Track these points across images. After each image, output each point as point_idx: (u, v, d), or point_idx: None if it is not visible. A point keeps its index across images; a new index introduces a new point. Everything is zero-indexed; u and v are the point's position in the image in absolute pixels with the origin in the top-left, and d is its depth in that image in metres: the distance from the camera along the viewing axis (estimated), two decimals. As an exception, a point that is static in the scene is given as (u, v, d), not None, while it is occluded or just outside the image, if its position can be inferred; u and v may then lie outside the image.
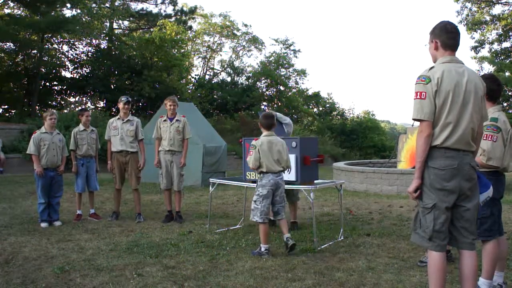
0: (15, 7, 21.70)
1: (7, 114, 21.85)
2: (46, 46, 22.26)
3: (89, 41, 24.35)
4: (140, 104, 25.23)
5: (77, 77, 24.32)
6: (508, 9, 24.99)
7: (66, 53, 24.71)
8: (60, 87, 24.46)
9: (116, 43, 24.81)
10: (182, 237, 5.75)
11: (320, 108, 33.89)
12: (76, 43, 24.41)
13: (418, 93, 2.90)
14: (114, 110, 22.17)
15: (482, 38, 25.87)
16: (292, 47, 32.41)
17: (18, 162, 14.49)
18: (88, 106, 25.79)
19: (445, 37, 3.00)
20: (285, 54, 31.91)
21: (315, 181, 5.75)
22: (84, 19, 21.93)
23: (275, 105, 29.69)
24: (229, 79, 31.79)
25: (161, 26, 25.70)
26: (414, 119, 2.93)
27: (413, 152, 11.87)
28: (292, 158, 5.37)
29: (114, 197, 7.26)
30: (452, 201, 2.90)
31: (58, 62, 23.88)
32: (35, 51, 21.43)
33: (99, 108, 24.80)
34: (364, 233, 5.98)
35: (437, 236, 2.92)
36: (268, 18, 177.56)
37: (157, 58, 23.71)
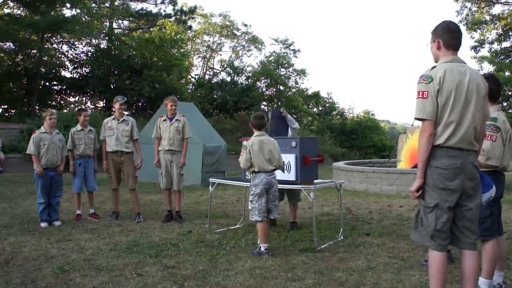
0: (14, 7, 21.71)
1: (7, 114, 21.86)
2: (46, 46, 22.28)
3: (88, 41, 24.37)
4: (140, 104, 25.24)
5: (77, 77, 24.34)
6: (508, 8, 25.02)
7: (66, 53, 24.78)
8: (59, 87, 24.48)
9: (116, 43, 24.83)
10: (182, 237, 5.75)
11: (320, 108, 33.90)
12: (76, 43, 24.43)
13: (420, 93, 2.90)
14: (114, 110, 22.13)
15: (482, 38, 25.90)
16: (291, 47, 32.44)
17: (18, 162, 14.49)
18: (88, 106, 25.80)
19: (448, 37, 3.00)
20: (284, 54, 31.91)
21: (315, 181, 5.74)
22: (83, 19, 21.96)
23: (275, 105, 29.70)
24: (229, 79, 31.81)
25: (161, 26, 25.72)
26: (417, 119, 2.93)
27: (413, 151, 11.89)
28: (292, 158, 5.38)
29: (112, 197, 7.26)
30: (455, 201, 2.90)
31: (58, 62, 23.91)
32: (35, 51, 21.44)
33: (99, 108, 24.81)
34: (364, 233, 5.98)
35: (438, 236, 2.92)
36: (268, 18, 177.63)
37: (156, 58, 23.72)
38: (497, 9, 32.19)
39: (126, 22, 28.35)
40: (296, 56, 33.57)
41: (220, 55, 39.36)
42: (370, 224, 6.67)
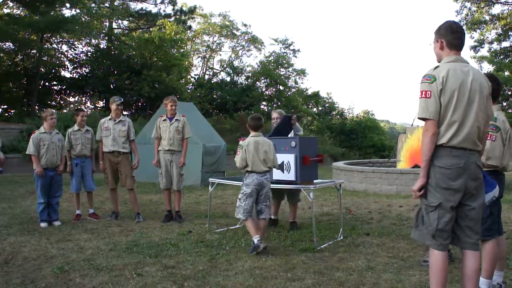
0: (14, 7, 21.71)
1: (7, 114, 21.86)
2: (46, 46, 22.28)
3: (88, 41, 24.37)
4: (140, 104, 25.24)
5: (77, 77, 24.33)
6: (508, 8, 25.02)
7: (66, 53, 24.78)
8: (59, 87, 24.49)
9: (116, 43, 24.82)
10: (181, 237, 5.75)
11: (320, 108, 33.90)
12: (76, 43, 24.43)
13: (423, 92, 2.90)
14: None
15: (482, 37, 25.91)
16: (291, 47, 32.43)
17: (18, 162, 14.49)
18: (88, 106, 25.81)
19: (451, 37, 3.01)
20: (284, 54, 31.91)
21: (315, 181, 5.74)
22: (83, 19, 21.95)
23: (275, 105, 29.70)
24: (228, 79, 31.80)
25: (161, 26, 25.71)
26: (420, 118, 2.93)
27: (413, 151, 11.90)
28: (291, 158, 5.38)
29: (110, 198, 7.26)
30: (458, 200, 2.90)
31: (57, 62, 23.91)
32: (35, 51, 21.44)
33: (98, 108, 24.81)
34: (364, 233, 5.98)
35: (440, 235, 2.92)
36: (268, 18, 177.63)
37: (156, 58, 23.71)
38: (496, 9, 32.31)
39: (125, 22, 28.38)
40: (295, 56, 33.58)
41: (220, 55, 39.41)
42: (370, 224, 6.67)
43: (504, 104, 23.79)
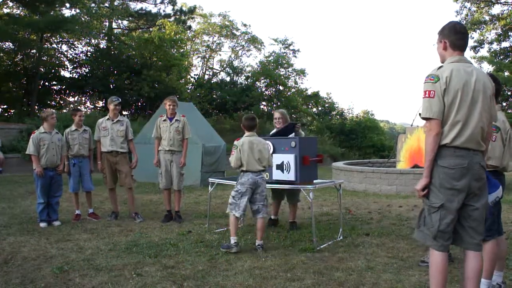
0: (14, 6, 21.69)
1: (6, 114, 21.85)
2: (45, 45, 22.26)
3: (88, 40, 24.35)
4: (139, 103, 25.23)
5: (76, 76, 24.31)
6: (507, 9, 25.03)
7: (65, 53, 24.75)
8: (59, 86, 24.47)
9: (115, 42, 24.80)
10: (181, 237, 5.75)
11: (319, 108, 33.87)
12: (75, 42, 24.42)
13: (427, 92, 2.90)
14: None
15: (482, 38, 25.92)
16: (291, 47, 32.39)
17: (17, 162, 14.48)
18: (87, 106, 25.81)
19: (454, 37, 3.01)
20: (284, 54, 31.89)
21: (314, 181, 5.75)
22: (83, 18, 21.94)
23: (274, 105, 29.69)
24: (228, 79, 31.77)
25: (160, 26, 25.70)
26: (423, 118, 2.93)
27: (412, 152, 11.90)
28: (291, 158, 5.38)
29: (110, 198, 7.25)
30: (461, 201, 2.89)
31: (57, 62, 23.89)
32: (34, 50, 21.43)
33: (98, 108, 24.80)
34: (363, 233, 5.98)
35: (441, 236, 2.92)
36: (268, 18, 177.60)
37: (156, 57, 23.70)
38: (496, 9, 32.31)
39: (125, 22, 28.37)
40: (295, 56, 33.55)
41: (220, 55, 39.37)
42: (370, 224, 6.67)
43: (504, 104, 23.79)
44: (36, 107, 21.72)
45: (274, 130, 6.52)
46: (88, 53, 24.75)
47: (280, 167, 5.46)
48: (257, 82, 30.97)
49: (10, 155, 14.56)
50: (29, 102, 22.31)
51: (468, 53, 28.13)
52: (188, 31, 30.01)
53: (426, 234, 2.98)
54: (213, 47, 33.50)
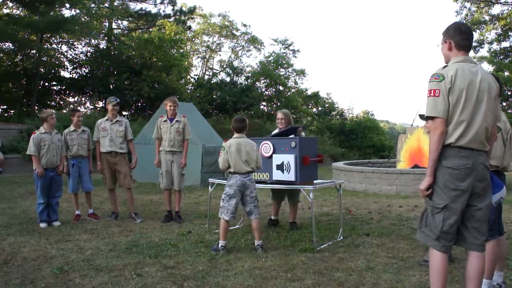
0: (14, 7, 21.69)
1: (6, 114, 21.85)
2: (45, 46, 22.26)
3: (88, 41, 24.36)
4: (139, 104, 25.23)
5: (76, 77, 24.31)
6: (507, 9, 25.04)
7: (65, 53, 24.73)
8: (59, 87, 24.48)
9: (115, 43, 24.81)
10: (181, 237, 5.75)
11: (319, 108, 33.89)
12: (75, 43, 24.40)
13: (432, 91, 2.90)
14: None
15: (481, 38, 25.94)
16: (291, 47, 32.42)
17: (17, 162, 14.48)
18: (87, 106, 25.82)
19: (459, 38, 3.01)
20: (284, 54, 31.90)
21: (314, 181, 5.74)
22: (83, 19, 21.93)
23: (274, 105, 29.70)
24: (228, 79, 31.79)
25: (160, 26, 25.70)
26: (428, 117, 2.92)
27: (413, 152, 11.89)
28: (291, 158, 5.38)
29: (109, 198, 7.25)
30: (465, 202, 2.88)
31: (57, 62, 23.89)
32: (34, 51, 21.42)
33: (98, 108, 24.81)
34: (363, 233, 5.97)
35: (444, 237, 2.91)
36: (267, 18, 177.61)
37: (156, 58, 23.70)
38: (496, 9, 32.35)
39: (125, 22, 28.39)
40: (295, 56, 33.59)
41: (220, 55, 39.39)
42: (370, 224, 6.66)
43: (504, 104, 23.80)
44: (36, 107, 21.72)
45: (276, 131, 6.52)
46: (88, 53, 24.76)
47: (280, 167, 5.46)
48: (257, 83, 30.98)
49: (10, 155, 14.56)
50: (29, 102, 22.31)
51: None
52: (188, 32, 30.02)
53: (428, 235, 2.97)
54: (213, 47, 33.52)
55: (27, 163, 10.86)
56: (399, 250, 5.07)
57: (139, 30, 27.85)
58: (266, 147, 5.62)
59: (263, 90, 31.16)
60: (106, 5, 24.77)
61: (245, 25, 33.66)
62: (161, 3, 27.48)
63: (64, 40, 23.79)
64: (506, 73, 22.42)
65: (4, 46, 20.69)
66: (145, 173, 11.39)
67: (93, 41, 24.54)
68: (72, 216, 6.98)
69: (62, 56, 24.51)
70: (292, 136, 5.79)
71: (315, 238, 5.29)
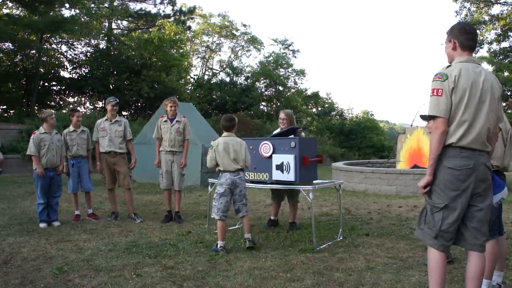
0: (13, 7, 21.68)
1: (6, 114, 21.85)
2: (45, 46, 22.26)
3: (87, 41, 24.36)
4: (139, 104, 25.23)
5: (76, 77, 24.32)
6: (507, 9, 25.05)
7: (65, 53, 24.73)
8: (58, 87, 24.49)
9: (115, 43, 24.82)
10: (181, 237, 5.75)
11: (319, 108, 33.93)
12: (75, 43, 24.40)
13: (435, 90, 2.90)
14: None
15: (481, 38, 25.92)
16: (291, 47, 32.48)
17: (17, 162, 14.48)
18: (87, 106, 25.81)
19: (464, 38, 3.01)
20: (284, 54, 31.93)
21: (314, 181, 5.74)
22: (82, 19, 21.95)
23: (274, 105, 29.70)
24: (228, 79, 31.82)
25: (160, 26, 25.73)
26: (430, 116, 2.92)
27: (412, 152, 11.90)
28: (291, 158, 5.38)
29: (109, 198, 7.26)
30: (465, 202, 2.88)
31: (56, 62, 23.89)
32: (34, 51, 21.42)
33: (97, 108, 24.81)
34: (363, 233, 5.98)
35: (442, 236, 2.91)
36: (267, 18, 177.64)
37: (156, 58, 23.71)
38: (496, 9, 32.36)
39: (125, 23, 28.39)
40: (295, 57, 33.64)
41: (219, 55, 39.46)
42: (369, 225, 6.67)
43: (504, 104, 23.81)
44: (35, 107, 21.72)
45: (277, 130, 6.53)
46: (88, 53, 24.77)
47: (279, 167, 5.46)
48: (256, 83, 31.01)
49: (9, 155, 14.57)
50: (28, 102, 22.31)
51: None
52: (188, 32, 30.04)
53: (426, 232, 2.97)
54: (213, 47, 33.55)
55: (27, 163, 10.87)
56: (398, 250, 5.08)
57: (139, 30, 27.85)
58: (266, 147, 5.62)
59: (263, 90, 31.19)
60: (106, 5, 24.78)
61: (244, 25, 33.75)
62: (161, 3, 27.50)
63: (64, 40, 23.79)
64: (506, 73, 22.42)
65: (4, 46, 20.69)
66: (145, 173, 11.39)
67: (92, 41, 24.56)
68: (72, 216, 6.98)
69: (61, 56, 24.54)
70: (291, 136, 5.78)
71: (314, 238, 5.29)
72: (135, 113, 25.20)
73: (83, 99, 25.75)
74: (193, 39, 32.49)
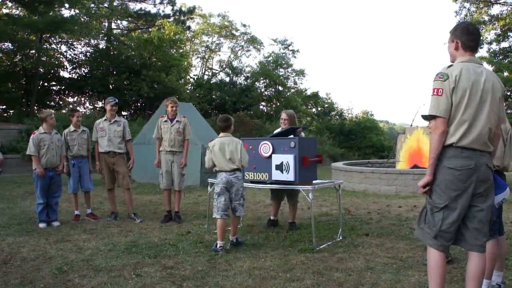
0: (13, 7, 21.69)
1: (6, 114, 21.85)
2: (45, 46, 22.26)
3: (87, 41, 24.36)
4: (139, 104, 25.23)
5: (76, 77, 24.33)
6: (507, 9, 25.06)
7: (65, 53, 24.74)
8: (58, 87, 24.49)
9: (115, 43, 24.82)
10: (180, 237, 5.75)
11: (319, 108, 33.93)
12: (75, 43, 24.41)
13: (435, 90, 2.90)
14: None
15: (481, 38, 25.93)
16: (290, 47, 32.47)
17: (17, 162, 14.48)
18: (87, 106, 25.80)
19: (466, 38, 3.01)
20: (283, 54, 31.93)
21: (314, 181, 5.74)
22: (82, 19, 21.94)
23: (274, 105, 29.71)
24: (227, 79, 31.81)
25: (160, 26, 25.73)
26: (430, 116, 2.92)
27: (412, 152, 11.90)
28: (290, 158, 5.38)
29: (109, 198, 7.26)
30: (466, 202, 2.88)
31: (56, 62, 23.90)
32: (34, 51, 21.42)
33: (97, 108, 24.81)
34: (363, 233, 5.98)
35: (442, 236, 2.91)
36: (267, 18, 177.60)
37: (155, 58, 23.72)
38: (495, 10, 32.31)
39: (124, 22, 28.39)
40: (295, 57, 33.66)
41: (219, 55, 39.42)
42: (369, 225, 6.67)
43: (504, 104, 23.83)
44: (35, 107, 21.73)
45: (278, 130, 6.52)
46: (88, 53, 24.78)
47: (279, 167, 5.46)
48: (256, 83, 31.00)
49: (9, 155, 14.56)
50: (28, 102, 22.31)
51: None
52: (188, 32, 30.05)
53: (426, 232, 2.97)
54: (213, 47, 33.55)
55: (27, 163, 10.86)
56: (398, 250, 5.08)
57: (139, 30, 27.86)
58: (266, 147, 5.61)
59: (263, 90, 31.19)
60: (106, 5, 24.77)
61: (244, 25, 33.74)
62: (161, 3, 27.51)
63: (64, 40, 23.79)
64: (506, 73, 22.43)
65: (3, 46, 20.69)
66: (144, 173, 11.38)
67: (92, 41, 24.56)
68: (72, 216, 6.98)
69: (61, 56, 24.54)
70: (291, 136, 5.78)
71: (314, 238, 5.29)
72: (135, 113, 25.20)
73: (82, 99, 25.75)
74: (193, 39, 32.49)
